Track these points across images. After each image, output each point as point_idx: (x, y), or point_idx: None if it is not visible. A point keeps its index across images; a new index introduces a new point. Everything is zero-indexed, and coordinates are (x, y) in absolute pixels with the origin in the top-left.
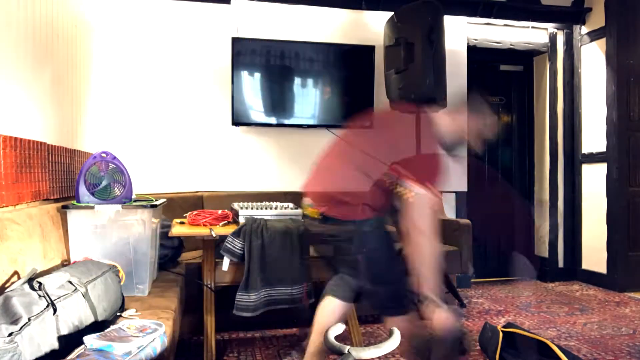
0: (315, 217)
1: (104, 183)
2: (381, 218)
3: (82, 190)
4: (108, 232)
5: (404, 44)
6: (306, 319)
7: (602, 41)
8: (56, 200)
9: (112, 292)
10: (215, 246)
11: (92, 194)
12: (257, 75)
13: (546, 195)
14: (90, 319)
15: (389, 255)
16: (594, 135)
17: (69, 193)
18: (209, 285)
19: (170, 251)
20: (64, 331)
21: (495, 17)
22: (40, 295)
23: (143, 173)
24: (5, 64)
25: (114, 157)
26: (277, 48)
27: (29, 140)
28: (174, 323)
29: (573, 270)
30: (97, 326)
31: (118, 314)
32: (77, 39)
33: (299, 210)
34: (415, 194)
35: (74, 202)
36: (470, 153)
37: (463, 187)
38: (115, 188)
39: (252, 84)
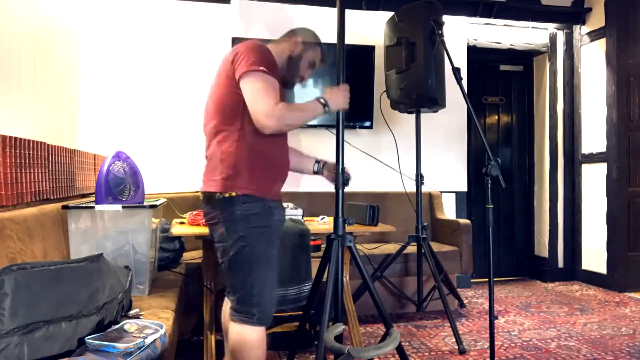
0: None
1: (124, 184)
2: None
3: (104, 191)
4: (108, 232)
5: (405, 44)
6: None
7: (602, 41)
8: (56, 200)
9: None
10: None
11: (113, 196)
12: None
13: (546, 195)
14: None
15: None
16: (594, 135)
17: (69, 193)
18: (209, 286)
19: (171, 254)
20: None
21: (495, 17)
22: None
23: (143, 173)
24: (6, 63)
25: (127, 157)
26: None
27: (29, 140)
28: (174, 323)
29: (573, 270)
30: (98, 326)
31: None
32: (77, 39)
33: (299, 210)
34: None
35: (95, 203)
36: (469, 152)
37: (463, 187)
38: (132, 188)
39: None
